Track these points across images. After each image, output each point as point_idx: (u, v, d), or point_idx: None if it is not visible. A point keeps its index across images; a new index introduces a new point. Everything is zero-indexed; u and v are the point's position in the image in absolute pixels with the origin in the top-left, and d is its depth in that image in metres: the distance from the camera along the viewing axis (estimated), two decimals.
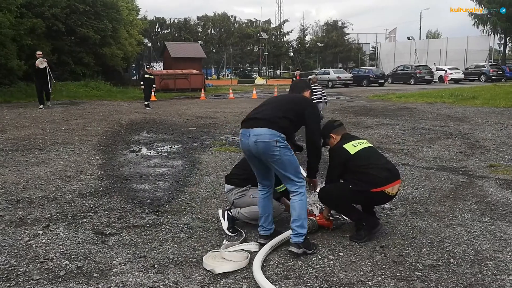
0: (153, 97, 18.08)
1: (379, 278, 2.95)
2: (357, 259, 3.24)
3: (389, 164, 3.71)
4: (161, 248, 3.45)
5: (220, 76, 56.15)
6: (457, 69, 36.15)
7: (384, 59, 49.92)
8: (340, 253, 3.35)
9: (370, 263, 3.17)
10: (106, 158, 7.02)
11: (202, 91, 23.67)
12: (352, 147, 3.65)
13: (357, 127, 10.36)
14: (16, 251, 3.39)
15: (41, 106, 14.80)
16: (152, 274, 3.01)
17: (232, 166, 4.52)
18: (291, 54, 61.87)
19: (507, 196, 4.81)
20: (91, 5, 24.67)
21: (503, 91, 18.80)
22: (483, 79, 33.75)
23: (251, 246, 3.43)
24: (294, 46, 62.41)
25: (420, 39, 55.60)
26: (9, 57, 18.65)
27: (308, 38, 63.78)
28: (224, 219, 3.83)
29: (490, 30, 45.12)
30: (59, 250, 3.39)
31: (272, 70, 58.32)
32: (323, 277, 2.96)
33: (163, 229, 3.87)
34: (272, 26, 61.82)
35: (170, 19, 57.30)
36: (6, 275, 2.98)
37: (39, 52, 15.20)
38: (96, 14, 24.99)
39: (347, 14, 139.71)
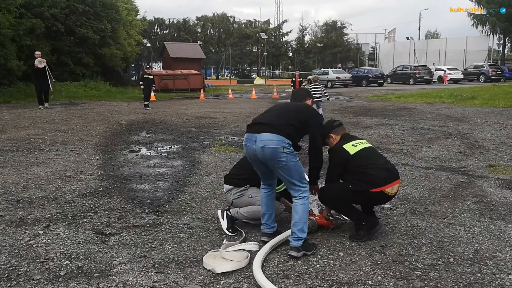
0: (152, 98, 18.08)
1: (379, 277, 2.96)
2: (357, 259, 3.25)
3: (388, 164, 3.72)
4: (161, 248, 3.46)
5: (220, 77, 56.15)
6: (456, 69, 36.18)
7: (383, 59, 49.95)
8: (340, 253, 3.36)
9: (370, 263, 3.18)
10: (105, 158, 7.02)
11: (202, 91, 23.68)
12: (351, 148, 3.66)
13: (357, 127, 10.37)
14: (16, 251, 3.39)
15: (40, 106, 14.80)
16: (152, 273, 3.01)
17: (232, 166, 4.53)
18: (290, 54, 61.96)
19: (506, 195, 4.82)
20: (91, 6, 24.68)
21: (502, 91, 18.82)
22: (482, 79, 33.79)
23: (251, 245, 3.43)
24: (293, 46, 62.50)
25: (419, 39, 55.68)
26: (9, 58, 18.64)
27: (307, 38, 63.96)
28: (224, 219, 3.84)
29: (489, 30, 45.19)
30: (60, 250, 3.40)
31: (271, 71, 58.36)
32: (323, 277, 2.97)
33: (163, 229, 3.87)
34: (271, 26, 61.91)
35: (169, 19, 57.51)
36: (7, 275, 2.99)
37: (37, 52, 15.20)
38: (96, 15, 25.01)
39: (346, 15, 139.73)
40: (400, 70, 36.08)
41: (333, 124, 3.87)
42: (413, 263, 3.18)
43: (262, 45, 51.12)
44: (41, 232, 3.77)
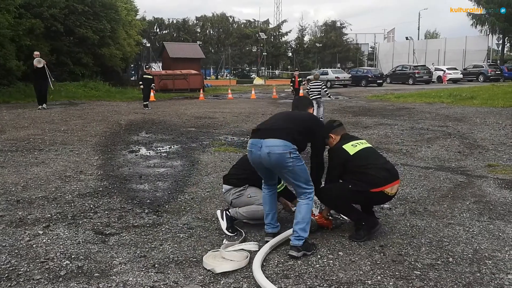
0: (152, 98, 18.08)
1: (379, 277, 2.96)
2: (357, 259, 3.26)
3: (388, 164, 3.73)
4: (161, 248, 3.46)
5: (219, 77, 56.16)
6: (455, 69, 36.21)
7: (383, 59, 49.98)
8: (339, 253, 3.37)
9: (369, 262, 3.18)
10: (105, 158, 7.03)
11: (201, 91, 23.69)
12: (351, 148, 3.66)
13: (356, 127, 10.38)
14: (16, 251, 3.39)
15: (40, 106, 14.79)
16: (152, 273, 3.02)
17: (231, 166, 4.53)
18: (290, 54, 61.95)
19: (505, 195, 4.83)
20: (90, 6, 24.67)
21: (501, 91, 18.84)
22: (481, 79, 33.84)
23: (251, 245, 3.44)
24: (293, 46, 62.47)
25: (418, 39, 55.70)
26: (8, 58, 18.64)
27: (306, 38, 63.93)
28: (223, 219, 3.84)
29: (488, 30, 45.15)
30: (60, 250, 3.40)
31: (270, 71, 58.36)
32: (322, 276, 2.97)
33: (163, 229, 3.88)
34: (270, 26, 61.87)
35: (168, 19, 57.44)
36: (7, 275, 2.99)
37: (36, 52, 15.18)
38: (95, 15, 24.99)
39: (346, 15, 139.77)
40: (399, 70, 36.11)
41: (333, 124, 3.87)
42: (412, 262, 3.18)
43: (262, 45, 51.13)
44: (41, 232, 3.78)
